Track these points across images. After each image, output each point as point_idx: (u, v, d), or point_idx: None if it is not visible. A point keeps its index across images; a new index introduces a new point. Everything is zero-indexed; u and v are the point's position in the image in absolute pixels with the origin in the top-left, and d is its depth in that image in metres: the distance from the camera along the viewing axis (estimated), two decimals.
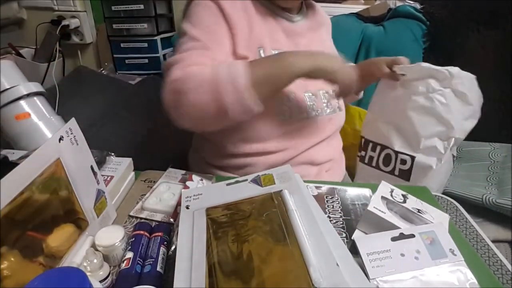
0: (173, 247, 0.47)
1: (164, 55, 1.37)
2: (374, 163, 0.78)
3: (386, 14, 1.24)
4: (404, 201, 0.51)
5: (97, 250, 0.44)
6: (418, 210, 0.49)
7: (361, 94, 0.93)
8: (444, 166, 0.70)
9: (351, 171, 0.88)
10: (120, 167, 0.61)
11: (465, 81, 0.70)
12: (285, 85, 0.60)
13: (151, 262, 0.43)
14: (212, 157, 0.75)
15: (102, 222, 0.51)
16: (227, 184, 0.50)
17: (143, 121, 0.98)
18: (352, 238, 0.46)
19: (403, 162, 0.73)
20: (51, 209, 0.41)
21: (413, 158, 0.72)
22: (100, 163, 0.60)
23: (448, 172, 0.73)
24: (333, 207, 0.56)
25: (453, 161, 0.76)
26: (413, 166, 0.71)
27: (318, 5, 0.81)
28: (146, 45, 1.33)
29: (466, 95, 0.69)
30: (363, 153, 0.82)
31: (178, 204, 0.55)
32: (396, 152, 0.74)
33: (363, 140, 0.82)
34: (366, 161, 0.82)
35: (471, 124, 0.72)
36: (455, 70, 0.70)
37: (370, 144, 0.80)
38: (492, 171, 0.96)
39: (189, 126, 0.60)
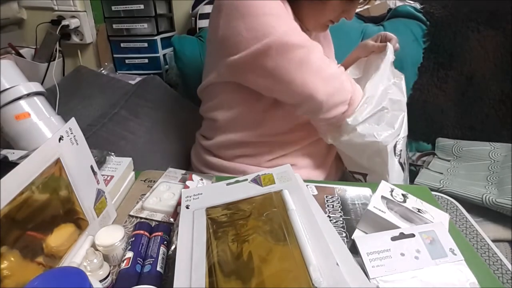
0: (173, 247, 0.47)
1: (164, 55, 1.37)
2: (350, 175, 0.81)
3: (386, 14, 1.23)
4: (404, 201, 0.51)
5: (97, 250, 0.44)
6: (418, 209, 0.49)
7: None
8: (395, 170, 0.71)
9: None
10: (120, 167, 0.61)
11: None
12: None
13: (151, 262, 0.43)
14: (222, 148, 0.77)
15: (102, 222, 0.51)
16: (227, 184, 0.50)
17: (143, 121, 0.97)
18: (352, 237, 0.46)
19: (359, 181, 0.76)
20: (51, 209, 0.41)
21: (364, 175, 0.74)
22: (100, 163, 0.60)
23: (399, 169, 0.74)
24: (333, 207, 0.56)
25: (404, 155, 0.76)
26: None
27: None
28: (146, 45, 1.33)
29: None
30: None
31: (178, 203, 0.55)
32: (352, 172, 0.78)
33: None
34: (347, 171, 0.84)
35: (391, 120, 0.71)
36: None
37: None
38: (492, 171, 0.96)
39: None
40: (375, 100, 0.68)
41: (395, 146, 0.70)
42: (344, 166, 0.86)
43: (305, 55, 0.62)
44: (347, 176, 0.86)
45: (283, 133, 0.73)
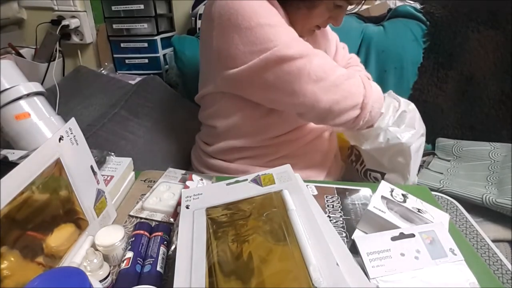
0: (173, 247, 0.47)
1: (164, 55, 1.37)
2: (360, 174, 0.81)
3: (386, 14, 1.23)
4: (404, 201, 0.51)
5: (97, 250, 0.44)
6: (418, 209, 0.49)
7: None
8: (415, 171, 0.72)
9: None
10: (120, 167, 0.61)
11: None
12: None
13: (151, 262, 0.43)
14: (223, 153, 0.77)
15: (102, 222, 0.51)
16: (227, 184, 0.50)
17: (143, 121, 0.97)
18: (352, 237, 0.46)
19: (376, 178, 0.76)
20: (51, 209, 0.41)
21: (383, 174, 0.74)
22: (100, 163, 0.60)
23: (416, 167, 0.75)
24: (333, 207, 0.56)
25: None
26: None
27: None
28: (146, 45, 1.33)
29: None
30: (353, 158, 0.84)
31: (178, 203, 0.55)
32: (370, 170, 0.77)
33: (355, 150, 0.83)
34: (355, 169, 0.84)
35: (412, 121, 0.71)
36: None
37: (358, 156, 0.82)
38: (492, 171, 0.96)
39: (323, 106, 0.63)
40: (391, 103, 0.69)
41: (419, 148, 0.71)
42: (344, 163, 0.87)
43: (303, 65, 0.60)
44: (349, 173, 0.86)
45: (283, 135, 0.73)
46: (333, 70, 0.63)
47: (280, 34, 0.61)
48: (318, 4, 0.65)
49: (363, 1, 0.69)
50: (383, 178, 0.74)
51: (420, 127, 0.70)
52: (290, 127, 0.73)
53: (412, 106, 0.72)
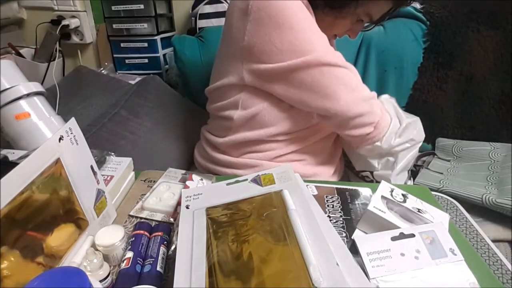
0: (173, 247, 0.47)
1: (164, 55, 1.37)
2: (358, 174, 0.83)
3: None
4: (404, 201, 0.51)
5: (97, 249, 0.44)
6: (418, 209, 0.49)
7: None
8: (401, 167, 0.75)
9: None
10: (120, 167, 0.61)
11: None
12: None
13: (151, 262, 0.43)
14: (234, 146, 0.77)
15: (102, 222, 0.51)
16: (227, 184, 0.50)
17: (143, 120, 0.97)
18: (352, 237, 0.46)
19: (367, 177, 0.79)
20: (51, 209, 0.41)
21: (372, 172, 0.77)
22: (100, 163, 0.60)
23: (409, 163, 0.79)
24: (333, 207, 0.56)
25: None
26: (375, 178, 0.77)
27: None
28: (146, 45, 1.33)
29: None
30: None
31: (178, 203, 0.55)
32: (358, 172, 0.81)
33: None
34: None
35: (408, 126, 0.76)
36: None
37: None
38: (492, 171, 0.96)
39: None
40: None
41: None
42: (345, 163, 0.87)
43: (344, 74, 0.65)
44: (347, 174, 0.87)
45: (296, 132, 0.74)
46: (363, 86, 0.69)
47: (318, 40, 0.65)
48: (346, 15, 0.68)
49: (380, 21, 0.73)
50: (372, 175, 0.77)
51: (416, 136, 0.75)
52: (305, 125, 0.74)
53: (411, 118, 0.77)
